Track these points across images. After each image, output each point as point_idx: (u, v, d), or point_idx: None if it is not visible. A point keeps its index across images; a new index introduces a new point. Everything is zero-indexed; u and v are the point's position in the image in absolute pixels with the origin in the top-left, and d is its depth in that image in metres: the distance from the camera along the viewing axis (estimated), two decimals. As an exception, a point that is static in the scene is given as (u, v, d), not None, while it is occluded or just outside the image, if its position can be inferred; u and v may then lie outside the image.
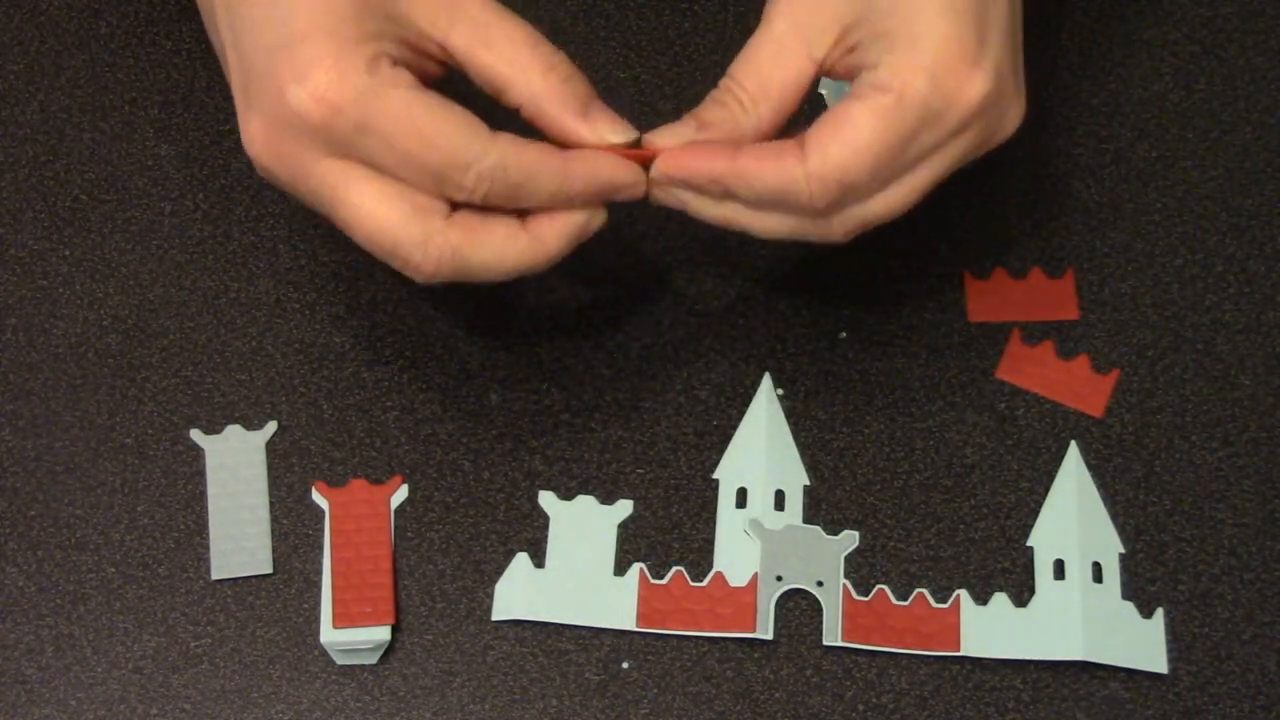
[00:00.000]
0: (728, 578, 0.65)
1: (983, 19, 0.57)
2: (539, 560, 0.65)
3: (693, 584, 0.65)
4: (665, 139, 0.60)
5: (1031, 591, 0.65)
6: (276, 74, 0.55)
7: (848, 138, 0.56)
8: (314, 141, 0.55)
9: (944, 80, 0.56)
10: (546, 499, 0.66)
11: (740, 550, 0.65)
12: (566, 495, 0.66)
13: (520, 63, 0.57)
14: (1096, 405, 0.68)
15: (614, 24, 0.75)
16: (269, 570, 0.65)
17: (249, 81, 0.56)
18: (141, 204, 0.71)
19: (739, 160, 0.58)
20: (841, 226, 0.59)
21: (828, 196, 0.57)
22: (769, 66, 0.59)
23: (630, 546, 0.66)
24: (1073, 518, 0.66)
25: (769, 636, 0.64)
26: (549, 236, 0.58)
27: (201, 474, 0.67)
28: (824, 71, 0.59)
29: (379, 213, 0.56)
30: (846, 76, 0.59)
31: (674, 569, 0.65)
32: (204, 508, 0.66)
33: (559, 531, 0.66)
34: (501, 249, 0.57)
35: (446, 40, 0.56)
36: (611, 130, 0.59)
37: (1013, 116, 0.59)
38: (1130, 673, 0.64)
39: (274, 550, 0.65)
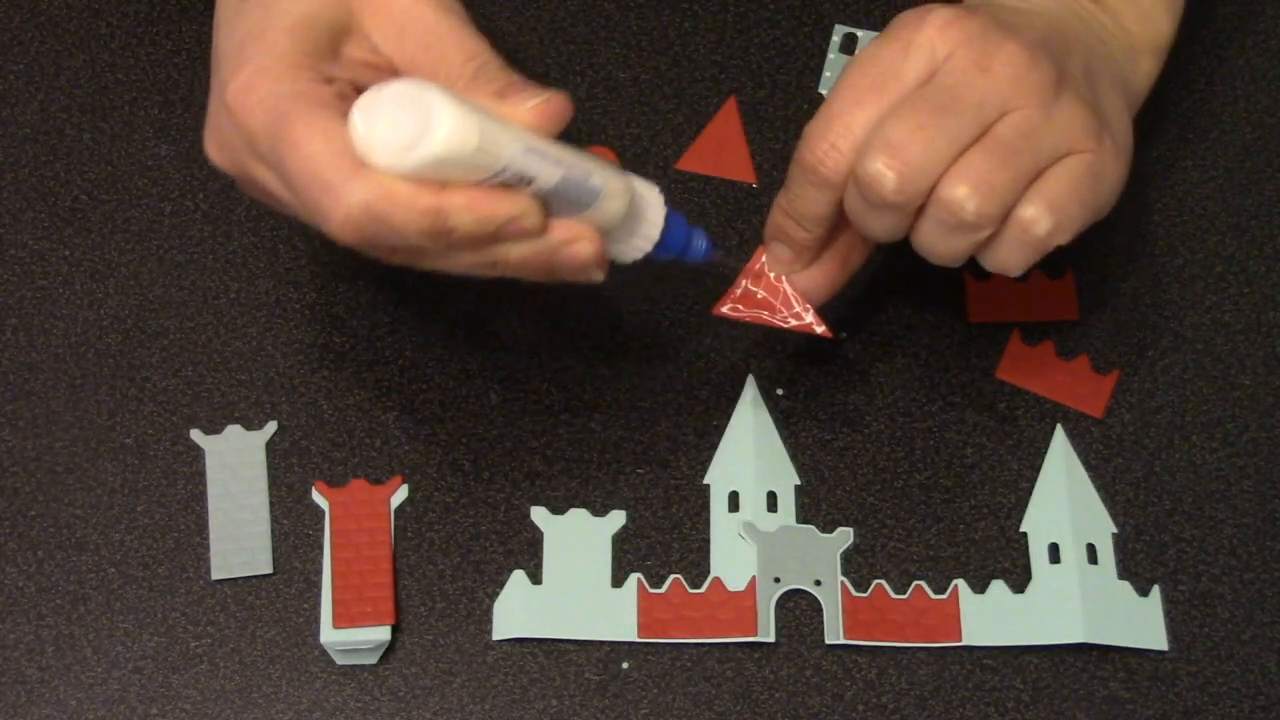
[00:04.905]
0: (726, 582, 0.64)
1: None
2: (535, 577, 0.65)
3: (691, 591, 0.64)
4: None
5: (1029, 577, 0.65)
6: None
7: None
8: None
9: None
10: (539, 515, 0.66)
11: (736, 554, 0.65)
12: (566, 495, 0.66)
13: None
14: (1096, 405, 0.68)
15: (614, 24, 0.74)
16: (269, 570, 0.65)
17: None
18: (141, 204, 0.71)
19: None
20: None
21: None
22: None
23: (626, 557, 0.66)
24: (1064, 501, 0.66)
25: (771, 639, 0.64)
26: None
27: (201, 474, 0.67)
28: None
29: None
30: None
31: (671, 577, 0.65)
32: (204, 508, 0.66)
33: (554, 547, 0.65)
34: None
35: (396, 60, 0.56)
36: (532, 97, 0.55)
37: None
38: (1130, 672, 0.64)
39: (274, 550, 0.65)
